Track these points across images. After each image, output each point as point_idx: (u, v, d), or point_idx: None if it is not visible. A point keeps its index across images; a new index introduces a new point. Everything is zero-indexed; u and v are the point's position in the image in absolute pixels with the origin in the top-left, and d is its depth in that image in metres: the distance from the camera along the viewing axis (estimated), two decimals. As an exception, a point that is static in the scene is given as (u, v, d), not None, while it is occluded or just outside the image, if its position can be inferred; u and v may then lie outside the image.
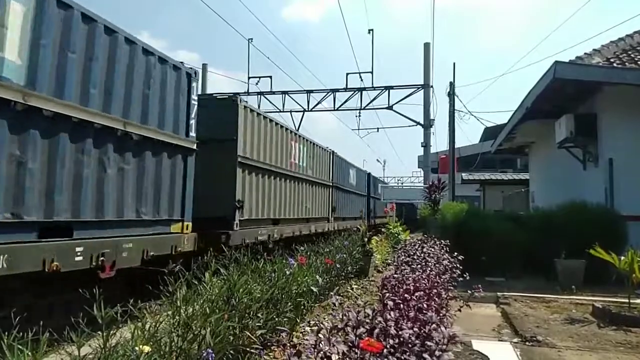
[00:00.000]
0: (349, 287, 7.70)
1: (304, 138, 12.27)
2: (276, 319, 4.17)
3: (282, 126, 10.80)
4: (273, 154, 10.02)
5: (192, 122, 6.79)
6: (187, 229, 6.58)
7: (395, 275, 4.01)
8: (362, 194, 20.37)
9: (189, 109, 6.73)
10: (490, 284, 8.07)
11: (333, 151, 15.13)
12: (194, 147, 6.83)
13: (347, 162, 17.41)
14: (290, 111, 21.70)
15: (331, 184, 14.84)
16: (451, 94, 19.37)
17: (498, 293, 7.24)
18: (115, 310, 2.61)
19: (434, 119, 19.75)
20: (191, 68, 7.00)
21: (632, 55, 10.07)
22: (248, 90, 21.70)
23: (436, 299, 3.28)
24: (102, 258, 4.79)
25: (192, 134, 6.82)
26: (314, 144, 13.09)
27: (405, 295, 3.01)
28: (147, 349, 2.51)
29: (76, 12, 4.64)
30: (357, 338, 2.09)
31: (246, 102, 8.79)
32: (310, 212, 12.71)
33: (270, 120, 10.09)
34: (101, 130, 5.02)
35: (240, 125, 8.34)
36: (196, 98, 6.89)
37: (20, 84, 4.08)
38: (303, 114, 21.68)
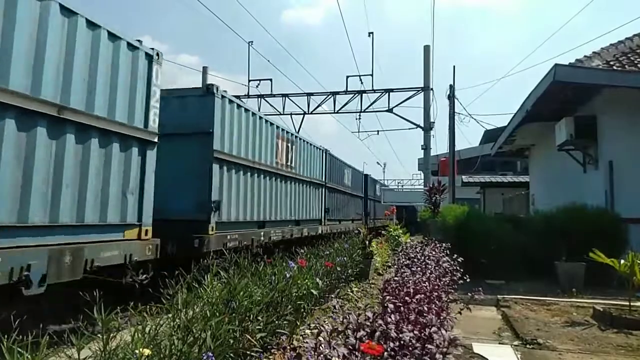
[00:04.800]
0: (349, 290, 7.69)
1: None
2: (276, 322, 4.17)
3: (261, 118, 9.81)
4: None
5: (154, 111, 6.07)
6: (145, 234, 5.82)
7: (396, 278, 4.01)
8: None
9: (148, 96, 6.00)
10: (491, 287, 8.07)
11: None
12: (155, 139, 6.08)
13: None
14: (291, 114, 21.72)
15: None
16: (451, 97, 19.38)
17: (498, 296, 7.22)
18: (115, 313, 2.61)
19: (434, 122, 19.73)
20: (152, 49, 6.09)
21: (632, 58, 10.08)
22: (248, 92, 21.74)
23: (437, 301, 3.27)
24: (26, 272, 4.02)
25: (153, 124, 6.05)
26: None
27: (406, 298, 3.01)
28: (147, 352, 2.51)
29: None
30: (358, 341, 2.09)
31: (225, 91, 8.11)
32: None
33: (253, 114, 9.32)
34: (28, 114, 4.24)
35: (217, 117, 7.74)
36: (159, 84, 6.20)
37: None
38: (303, 117, 21.69)
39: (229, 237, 7.91)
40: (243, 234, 8.52)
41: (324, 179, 14.74)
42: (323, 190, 14.74)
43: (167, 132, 6.82)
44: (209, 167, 7.55)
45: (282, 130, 11.16)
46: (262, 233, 9.37)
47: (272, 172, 10.16)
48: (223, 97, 7.99)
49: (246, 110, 9.07)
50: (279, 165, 10.60)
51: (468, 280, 5.01)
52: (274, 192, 10.28)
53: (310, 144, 13.45)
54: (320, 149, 14.45)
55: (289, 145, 11.47)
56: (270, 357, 3.93)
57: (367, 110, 20.84)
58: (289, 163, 11.38)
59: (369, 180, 24.69)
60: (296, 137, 12.20)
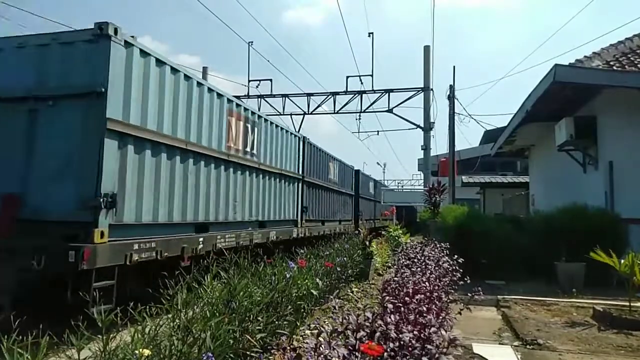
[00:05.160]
0: (349, 290, 7.70)
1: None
2: (276, 323, 4.17)
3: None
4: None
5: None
6: None
7: (396, 279, 4.01)
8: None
9: None
10: (491, 287, 8.07)
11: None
12: None
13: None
14: (291, 114, 21.72)
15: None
16: (451, 97, 19.40)
17: (498, 296, 7.23)
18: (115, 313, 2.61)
19: (434, 122, 19.73)
20: None
21: (631, 58, 10.09)
22: (248, 93, 21.74)
23: (437, 302, 3.27)
24: None
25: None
26: None
27: (406, 298, 3.01)
28: (147, 352, 2.51)
29: None
30: (358, 341, 2.09)
31: (133, 37, 5.66)
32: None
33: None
34: None
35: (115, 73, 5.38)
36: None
37: None
38: (303, 117, 21.67)
39: (136, 246, 5.52)
40: (166, 242, 6.10)
41: (300, 172, 12.35)
42: (299, 185, 12.27)
43: (46, 95, 5.19)
44: (98, 143, 5.17)
45: (238, 106, 8.67)
46: (201, 239, 6.95)
47: (220, 158, 7.84)
48: (129, 44, 5.54)
49: (175, 70, 6.53)
50: (231, 151, 8.25)
51: (468, 280, 5.01)
52: (223, 185, 7.94)
53: (282, 128, 11.06)
54: (296, 136, 12.21)
55: (248, 126, 8.99)
56: (270, 357, 3.93)
57: (367, 110, 20.83)
58: (247, 149, 8.92)
59: (361, 176, 22.42)
60: (260, 117, 9.74)
